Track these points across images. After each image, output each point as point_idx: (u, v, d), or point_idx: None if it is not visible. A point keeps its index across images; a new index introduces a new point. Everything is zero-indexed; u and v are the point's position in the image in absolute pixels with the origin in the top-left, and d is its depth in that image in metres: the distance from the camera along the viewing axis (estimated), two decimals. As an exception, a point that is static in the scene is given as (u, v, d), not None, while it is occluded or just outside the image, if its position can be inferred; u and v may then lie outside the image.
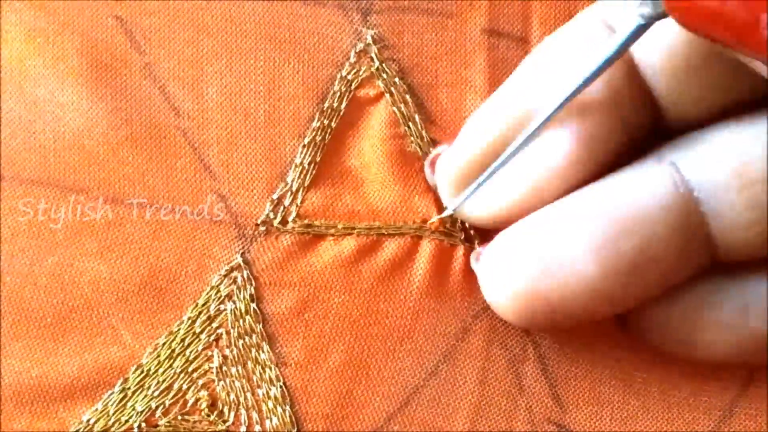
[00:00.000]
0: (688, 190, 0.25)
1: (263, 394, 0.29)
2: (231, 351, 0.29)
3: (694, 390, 0.29)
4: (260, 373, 0.29)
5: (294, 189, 0.29)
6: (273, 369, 0.29)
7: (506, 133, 0.26)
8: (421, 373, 0.29)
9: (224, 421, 0.29)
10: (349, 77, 0.30)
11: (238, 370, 0.29)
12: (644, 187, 0.25)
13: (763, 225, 0.24)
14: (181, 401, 0.29)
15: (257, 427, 0.29)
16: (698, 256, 0.25)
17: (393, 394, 0.29)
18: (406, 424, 0.29)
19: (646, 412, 0.29)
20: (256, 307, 0.29)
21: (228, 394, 0.29)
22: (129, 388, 0.29)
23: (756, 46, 0.20)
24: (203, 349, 0.29)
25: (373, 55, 0.30)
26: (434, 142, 0.30)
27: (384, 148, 0.29)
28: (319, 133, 0.30)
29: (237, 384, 0.29)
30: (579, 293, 0.25)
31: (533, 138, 0.26)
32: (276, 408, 0.29)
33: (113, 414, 0.29)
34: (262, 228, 0.29)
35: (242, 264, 0.29)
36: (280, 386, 0.29)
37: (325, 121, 0.30)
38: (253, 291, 0.29)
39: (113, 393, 0.29)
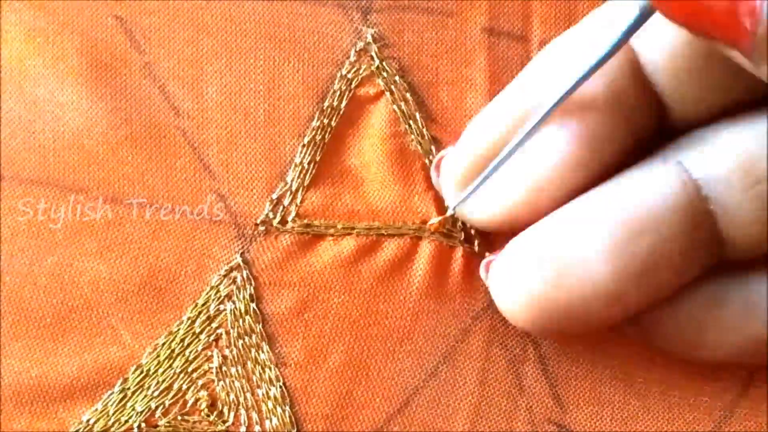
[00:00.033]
0: (695, 189, 0.25)
1: (263, 395, 0.29)
2: (231, 351, 0.29)
3: (695, 390, 0.29)
4: (260, 374, 0.29)
5: (293, 188, 0.29)
6: (273, 369, 0.29)
7: (510, 132, 0.26)
8: (421, 374, 0.29)
9: (224, 422, 0.29)
10: (349, 76, 0.30)
11: (237, 371, 0.29)
12: (653, 188, 0.25)
13: None
14: (180, 401, 0.29)
15: (257, 428, 0.29)
16: (707, 255, 0.25)
17: (393, 394, 0.29)
18: (406, 425, 0.29)
19: (647, 412, 0.29)
20: (255, 307, 0.29)
21: (228, 394, 0.29)
22: (129, 388, 0.29)
23: (735, 36, 0.20)
24: (203, 349, 0.29)
25: (373, 53, 0.30)
26: (435, 140, 0.30)
27: (384, 148, 0.29)
28: (318, 132, 0.29)
29: (237, 384, 0.29)
30: (594, 296, 0.25)
31: (533, 134, 0.26)
32: (276, 408, 0.29)
33: (113, 414, 0.29)
34: (261, 228, 0.29)
35: (242, 264, 0.29)
36: (280, 386, 0.29)
37: (325, 120, 0.30)
38: (252, 291, 0.29)
39: (113, 393, 0.29)
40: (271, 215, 0.29)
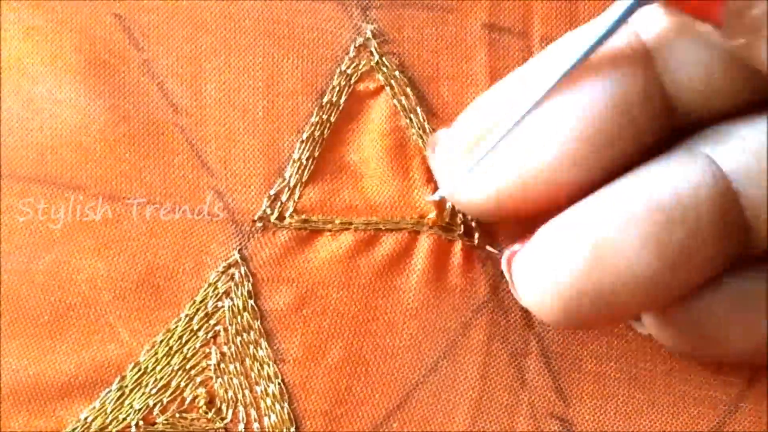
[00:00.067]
0: (725, 181, 0.25)
1: (261, 391, 0.28)
2: (229, 348, 0.29)
3: (700, 384, 0.28)
4: (258, 370, 0.29)
5: (291, 184, 0.29)
6: (271, 366, 0.28)
7: (506, 120, 0.26)
8: (421, 369, 0.28)
9: (222, 419, 0.29)
10: (349, 71, 0.30)
11: (236, 367, 0.29)
12: (685, 178, 0.25)
13: None
14: (178, 399, 0.29)
15: (255, 425, 0.28)
16: (736, 244, 0.25)
17: (393, 390, 0.28)
18: (406, 421, 0.28)
19: (651, 406, 0.28)
20: (253, 304, 0.29)
21: (226, 391, 0.29)
22: (126, 386, 0.29)
23: (707, 9, 0.20)
24: (201, 347, 0.29)
25: (373, 49, 0.30)
26: (437, 135, 0.30)
27: (383, 143, 0.29)
28: (317, 128, 0.29)
29: (235, 381, 0.29)
30: (633, 283, 0.24)
31: (527, 116, 0.25)
32: (274, 405, 0.28)
33: (111, 412, 0.28)
34: (259, 224, 0.29)
35: (239, 260, 0.29)
36: (279, 383, 0.28)
37: (324, 116, 0.29)
38: (250, 287, 0.29)
39: (111, 391, 0.29)
40: (268, 211, 0.29)
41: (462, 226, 0.29)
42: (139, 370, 0.29)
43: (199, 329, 0.29)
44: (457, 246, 0.29)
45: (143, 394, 0.29)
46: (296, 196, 0.29)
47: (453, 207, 0.29)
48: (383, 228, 0.29)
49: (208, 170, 0.29)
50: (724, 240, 0.25)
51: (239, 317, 0.29)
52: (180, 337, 0.29)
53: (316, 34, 0.30)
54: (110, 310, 0.29)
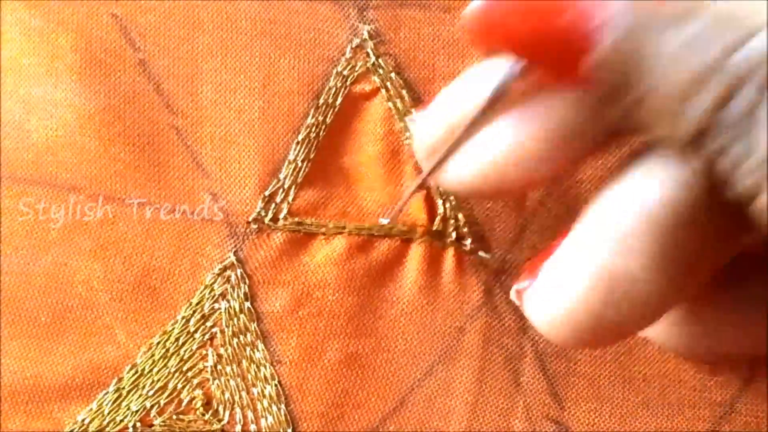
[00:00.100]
0: (721, 175, 0.24)
1: (258, 393, 0.29)
2: (225, 350, 0.29)
3: (695, 386, 0.28)
4: (255, 372, 0.29)
5: (286, 186, 0.29)
6: (268, 367, 0.29)
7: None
8: (417, 372, 0.29)
9: (219, 420, 0.29)
10: (345, 72, 0.30)
11: (232, 369, 0.29)
12: (675, 180, 0.24)
13: None
14: (175, 400, 0.29)
15: (252, 426, 0.28)
16: (737, 242, 0.25)
17: (389, 393, 0.28)
18: (402, 424, 0.28)
19: (647, 409, 0.28)
20: (250, 306, 0.29)
21: (223, 393, 0.29)
22: (124, 388, 0.29)
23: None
24: (198, 348, 0.29)
25: (369, 50, 0.30)
26: (432, 137, 0.29)
27: (376, 148, 0.29)
28: (313, 129, 0.29)
29: (232, 383, 0.29)
30: (645, 303, 0.24)
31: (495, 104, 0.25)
32: (271, 407, 0.28)
33: (108, 414, 0.29)
34: (253, 225, 0.29)
35: (235, 262, 0.29)
36: (275, 385, 0.28)
37: (320, 117, 0.29)
38: (246, 289, 0.29)
39: (108, 393, 0.29)
40: (263, 212, 0.29)
41: (454, 233, 0.29)
42: (136, 372, 0.29)
43: (195, 331, 0.29)
44: (449, 253, 0.29)
45: (140, 396, 0.29)
46: (290, 198, 0.29)
47: (444, 213, 0.29)
48: (375, 234, 0.29)
49: (202, 171, 0.29)
50: (722, 236, 0.25)
51: (236, 319, 0.29)
52: (177, 339, 0.29)
53: (313, 35, 0.30)
54: (107, 312, 0.29)
